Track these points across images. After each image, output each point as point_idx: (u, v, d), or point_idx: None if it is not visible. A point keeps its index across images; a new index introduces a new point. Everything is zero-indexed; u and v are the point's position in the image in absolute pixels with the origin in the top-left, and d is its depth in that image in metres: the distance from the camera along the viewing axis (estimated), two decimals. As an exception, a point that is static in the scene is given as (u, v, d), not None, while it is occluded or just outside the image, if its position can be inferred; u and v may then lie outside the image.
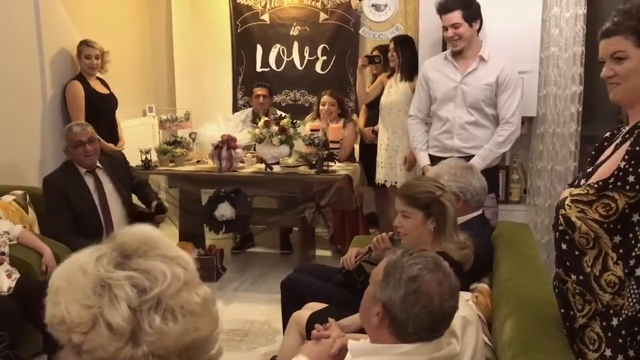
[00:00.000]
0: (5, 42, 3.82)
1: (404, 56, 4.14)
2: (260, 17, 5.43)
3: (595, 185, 1.51)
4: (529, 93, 3.34)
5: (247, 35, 5.49)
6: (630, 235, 1.49)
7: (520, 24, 3.28)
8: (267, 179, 4.25)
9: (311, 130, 4.49)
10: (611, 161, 1.54)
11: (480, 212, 2.56)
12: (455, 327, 1.37)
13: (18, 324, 2.69)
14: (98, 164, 3.60)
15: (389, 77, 4.40)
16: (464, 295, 1.99)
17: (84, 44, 4.26)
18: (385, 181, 4.36)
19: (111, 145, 4.29)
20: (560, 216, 1.55)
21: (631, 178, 1.46)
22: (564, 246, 1.56)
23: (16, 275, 2.98)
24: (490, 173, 3.16)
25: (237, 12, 5.46)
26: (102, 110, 4.27)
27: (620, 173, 1.47)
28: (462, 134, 3.21)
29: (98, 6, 4.77)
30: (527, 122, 3.51)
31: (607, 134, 1.68)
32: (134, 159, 4.43)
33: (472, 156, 3.17)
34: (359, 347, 1.38)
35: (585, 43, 3.28)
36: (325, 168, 4.16)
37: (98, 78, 4.38)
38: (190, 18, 5.57)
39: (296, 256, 4.60)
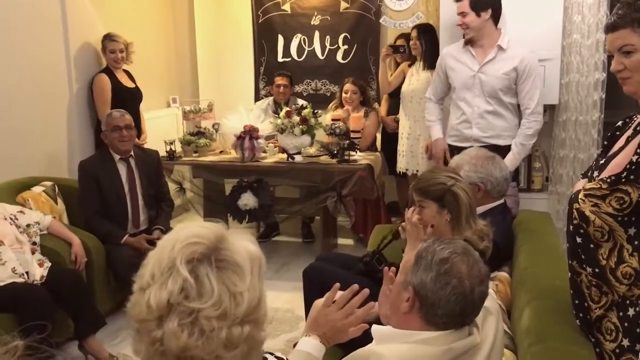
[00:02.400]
0: (32, 37, 3.91)
1: (426, 44, 4.14)
2: (282, 7, 5.45)
3: (608, 180, 1.51)
4: (551, 81, 3.31)
5: (268, 26, 5.52)
6: (645, 228, 1.50)
7: (541, 11, 3.24)
8: (289, 168, 4.30)
9: (332, 119, 4.52)
10: (623, 155, 1.54)
11: (502, 201, 2.57)
12: (477, 318, 1.40)
13: (51, 311, 2.79)
14: (132, 153, 3.69)
15: (410, 65, 4.41)
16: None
17: (108, 38, 4.33)
18: (407, 170, 4.38)
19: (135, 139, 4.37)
20: (574, 210, 1.56)
21: None
22: (578, 240, 1.57)
23: (47, 264, 3.09)
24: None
25: (259, 2, 5.49)
26: (128, 104, 4.32)
27: (633, 167, 1.48)
28: (480, 123, 3.21)
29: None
30: (550, 110, 3.48)
31: (619, 123, 1.68)
32: (159, 150, 4.52)
33: (492, 145, 3.16)
34: (384, 332, 1.39)
35: (609, 29, 3.23)
36: (346, 157, 4.19)
37: (124, 70, 4.46)
38: (212, 9, 5.62)
39: (318, 245, 4.65)
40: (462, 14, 3.15)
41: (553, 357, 1.54)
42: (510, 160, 3.14)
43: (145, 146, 4.43)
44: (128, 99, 4.39)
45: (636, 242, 1.51)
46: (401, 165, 4.42)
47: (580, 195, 1.56)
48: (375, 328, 1.43)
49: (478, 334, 1.36)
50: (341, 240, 4.84)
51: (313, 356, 1.38)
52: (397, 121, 4.56)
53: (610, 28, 1.58)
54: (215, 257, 0.94)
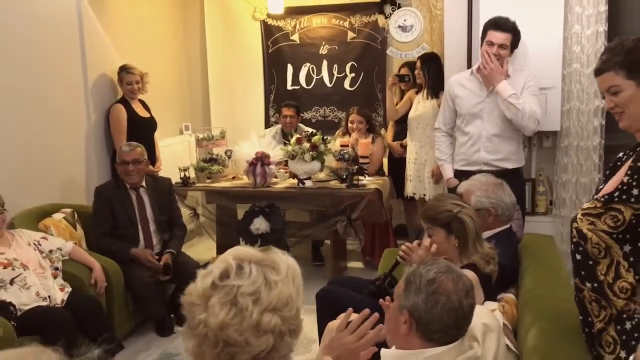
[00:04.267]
0: (52, 69, 4.07)
1: (430, 74, 4.29)
2: (291, 38, 5.63)
3: (602, 199, 1.63)
4: (552, 108, 3.43)
5: (278, 55, 5.70)
6: (639, 244, 1.61)
7: (542, 42, 3.38)
8: (299, 193, 4.42)
9: (341, 146, 4.65)
10: (616, 176, 1.67)
11: (508, 225, 2.68)
12: (477, 333, 1.51)
13: (72, 333, 2.89)
14: (143, 183, 3.89)
15: (417, 92, 4.55)
16: (490, 305, 2.12)
17: (124, 70, 4.49)
18: (414, 194, 4.49)
19: (150, 167, 4.51)
20: (573, 229, 1.68)
21: (635, 191, 1.58)
22: (578, 257, 1.68)
23: (68, 289, 3.21)
24: (516, 187, 3.27)
25: (268, 33, 5.68)
26: (143, 133, 4.49)
27: (625, 187, 1.60)
28: (488, 147, 3.32)
29: (136, 31, 5.02)
30: (552, 136, 3.60)
31: (620, 154, 1.81)
32: (173, 177, 4.65)
33: (500, 169, 3.28)
34: (392, 354, 1.52)
35: (607, 58, 3.36)
36: (355, 182, 4.31)
37: (139, 100, 4.61)
38: (224, 39, 5.81)
39: (328, 268, 4.74)
40: (502, 46, 3.21)
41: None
42: (503, 102, 3.18)
43: (160, 173, 4.60)
44: (143, 128, 4.54)
45: (631, 259, 1.62)
46: (409, 189, 4.53)
47: (579, 215, 1.68)
48: (384, 352, 1.55)
49: (479, 348, 1.47)
50: (351, 264, 4.93)
51: None
52: (403, 146, 4.69)
53: (597, 72, 1.74)
54: (258, 259, 1.16)
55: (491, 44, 3.21)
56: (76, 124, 4.34)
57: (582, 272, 1.69)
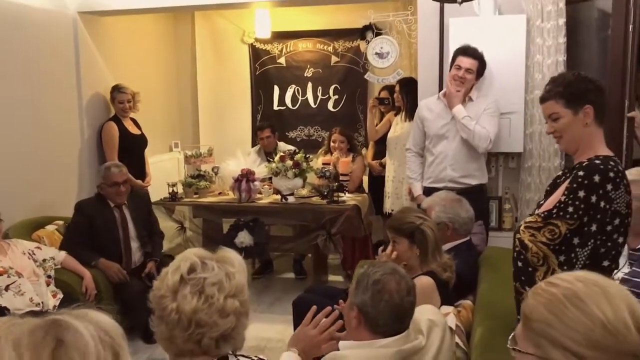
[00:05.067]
0: (49, 88, 4.30)
1: (407, 98, 4.54)
2: (277, 61, 5.91)
3: (542, 215, 1.88)
4: (516, 131, 3.69)
5: (265, 77, 5.96)
6: (572, 255, 1.85)
7: (506, 70, 3.64)
8: (282, 208, 4.63)
9: (323, 164, 4.89)
10: (555, 195, 1.92)
11: (467, 238, 2.92)
12: (422, 327, 1.74)
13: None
14: (125, 202, 4.03)
15: (395, 114, 4.81)
16: (446, 309, 2.35)
17: (117, 89, 4.71)
18: (392, 210, 4.70)
19: (139, 181, 4.72)
20: (516, 239, 1.92)
21: (570, 209, 1.83)
22: (519, 264, 1.92)
23: (60, 295, 3.40)
24: (480, 203, 3.52)
25: (256, 55, 5.95)
26: (134, 149, 4.72)
27: (562, 205, 1.84)
28: (454, 165, 3.57)
29: (129, 52, 5.26)
30: (517, 157, 3.85)
31: (560, 173, 2.05)
32: (162, 192, 4.87)
33: (465, 185, 3.53)
34: (348, 345, 1.74)
35: (566, 86, 3.63)
36: (335, 198, 4.54)
37: (131, 118, 4.83)
38: (213, 61, 6.07)
39: (310, 281, 4.94)
40: (468, 71, 3.49)
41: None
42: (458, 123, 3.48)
43: (149, 188, 4.81)
44: (134, 145, 4.76)
45: (565, 267, 1.86)
46: (387, 205, 4.76)
47: (522, 227, 1.92)
48: (342, 343, 1.78)
49: (423, 339, 1.69)
50: (332, 277, 5.14)
51: None
52: (382, 165, 4.93)
53: (541, 100, 2.01)
54: (216, 257, 1.38)
55: (459, 67, 3.49)
56: (70, 140, 4.55)
57: (522, 278, 1.92)
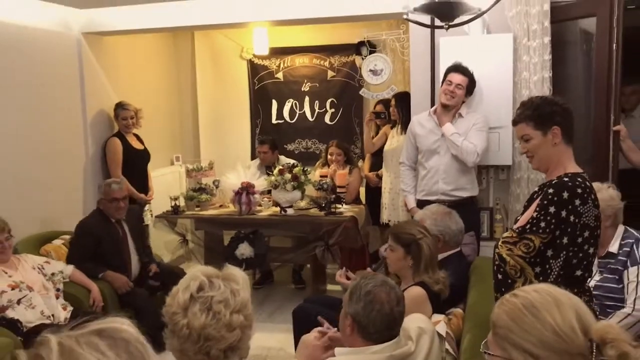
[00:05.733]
0: (54, 106, 4.46)
1: (403, 112, 4.69)
2: (275, 76, 6.07)
3: (517, 230, 2.03)
4: (505, 145, 3.84)
5: (263, 91, 6.13)
6: (547, 266, 2.00)
7: (495, 86, 3.79)
8: (282, 220, 4.77)
9: (320, 176, 5.04)
10: (528, 211, 2.07)
11: (458, 249, 3.07)
12: (412, 333, 1.89)
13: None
14: (123, 217, 4.17)
15: (391, 128, 4.96)
16: (437, 317, 2.50)
17: (120, 107, 4.87)
18: (389, 220, 4.85)
19: (142, 195, 4.87)
20: (495, 254, 2.07)
21: (542, 224, 1.97)
22: (499, 276, 2.06)
23: (70, 308, 3.54)
24: (471, 214, 3.67)
25: (254, 71, 6.12)
26: (137, 164, 4.87)
27: (534, 221, 1.99)
28: (445, 178, 3.72)
29: (132, 70, 5.42)
30: (506, 169, 4.01)
31: (536, 188, 2.20)
32: (164, 205, 5.01)
33: (457, 198, 3.69)
34: (343, 351, 1.89)
35: (552, 101, 3.79)
36: (333, 210, 4.69)
37: (134, 134, 4.99)
38: (213, 77, 6.24)
39: (309, 290, 5.08)
40: (458, 86, 3.66)
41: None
42: (451, 128, 3.64)
43: (152, 201, 4.96)
44: (137, 160, 4.91)
45: (541, 278, 2.00)
46: (384, 216, 4.90)
47: (500, 242, 2.06)
48: (337, 349, 1.93)
49: (413, 345, 1.84)
50: (330, 287, 5.27)
51: None
52: (379, 177, 5.08)
53: (513, 123, 2.16)
54: (222, 275, 1.52)
55: (450, 83, 3.67)
56: (75, 157, 4.70)
57: (503, 289, 2.06)
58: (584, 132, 3.90)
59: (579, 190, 1.99)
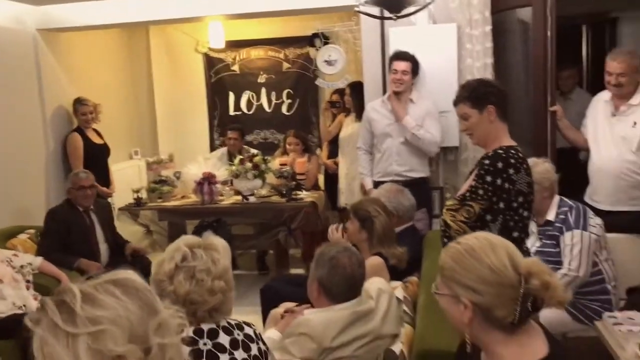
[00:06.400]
0: (12, 103, 4.48)
1: (357, 99, 4.92)
2: (231, 68, 6.21)
3: (458, 198, 2.27)
4: (452, 127, 4.09)
5: (220, 84, 6.25)
6: (486, 229, 2.23)
7: (441, 73, 4.05)
8: (244, 208, 4.93)
9: (280, 165, 5.21)
10: (468, 182, 2.31)
11: (411, 223, 3.32)
12: (373, 293, 2.11)
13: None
14: (91, 207, 4.27)
15: (346, 116, 5.18)
16: (394, 284, 2.73)
17: (79, 102, 4.92)
18: (347, 204, 5.07)
19: (105, 188, 4.94)
20: (441, 220, 2.30)
21: (481, 192, 2.22)
22: (445, 240, 2.29)
23: (40, 297, 3.61)
24: (423, 193, 3.93)
25: (210, 64, 6.24)
26: (98, 159, 4.93)
27: (473, 189, 2.24)
28: (398, 160, 3.98)
29: (89, 65, 5.46)
30: (454, 150, 4.28)
31: (477, 162, 2.45)
32: (126, 199, 5.10)
33: (409, 178, 3.93)
34: (311, 311, 2.10)
35: (494, 85, 4.08)
36: (294, 196, 4.87)
37: (93, 129, 5.04)
38: (169, 70, 6.32)
39: (273, 276, 5.25)
40: (404, 72, 3.90)
41: (435, 322, 2.23)
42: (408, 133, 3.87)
43: (114, 195, 5.04)
44: (98, 154, 4.98)
45: None
46: (342, 200, 5.13)
47: (444, 209, 2.30)
48: (306, 311, 2.13)
49: (373, 303, 2.06)
50: (293, 270, 5.46)
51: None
52: (336, 163, 5.30)
53: (454, 103, 2.40)
54: (204, 245, 1.67)
55: (396, 71, 3.91)
56: (35, 153, 4.74)
57: None
58: (525, 113, 4.21)
59: (512, 161, 2.24)
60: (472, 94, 2.34)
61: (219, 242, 1.72)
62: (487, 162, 2.27)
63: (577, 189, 3.81)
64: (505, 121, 2.39)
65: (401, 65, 3.90)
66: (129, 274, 1.06)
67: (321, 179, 5.62)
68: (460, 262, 1.39)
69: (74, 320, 0.92)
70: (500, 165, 2.23)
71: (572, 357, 1.44)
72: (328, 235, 3.14)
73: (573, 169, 3.92)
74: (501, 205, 2.24)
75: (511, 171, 2.23)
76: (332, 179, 5.39)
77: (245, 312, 4.45)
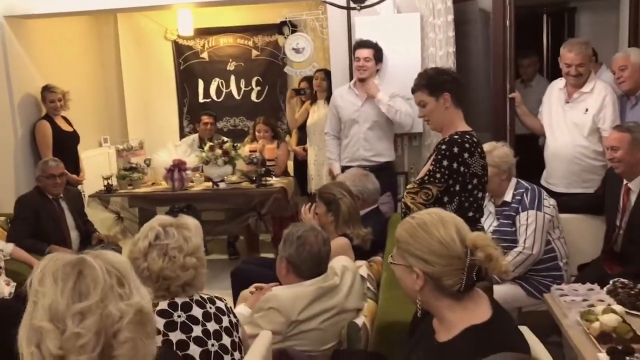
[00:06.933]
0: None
1: (328, 85, 5.02)
2: (200, 56, 6.25)
3: (417, 181, 2.41)
4: (416, 114, 4.24)
5: (189, 71, 6.29)
6: (444, 212, 2.38)
7: (405, 61, 4.19)
8: (214, 194, 5.01)
9: (250, 151, 5.30)
10: (426, 165, 2.45)
11: (375, 206, 3.46)
12: (337, 270, 2.24)
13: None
14: (61, 194, 4.31)
15: (311, 104, 5.28)
16: (359, 262, 2.86)
17: (47, 89, 4.91)
18: (316, 190, 5.20)
19: (74, 176, 4.95)
20: (402, 202, 2.44)
21: (438, 175, 2.36)
22: (406, 222, 2.43)
23: (13, 283, 3.65)
24: (389, 177, 4.08)
25: (179, 51, 6.27)
26: (67, 146, 4.94)
27: (431, 173, 2.38)
28: (365, 145, 4.12)
29: (57, 52, 5.43)
30: (418, 136, 4.44)
31: (435, 147, 2.59)
32: (96, 186, 5.12)
33: (376, 163, 4.07)
34: (281, 287, 2.22)
35: (456, 73, 4.23)
36: (263, 182, 4.97)
37: (62, 116, 5.04)
38: (138, 58, 6.32)
39: (243, 260, 5.36)
40: (366, 59, 4.02)
41: (396, 297, 2.38)
42: (385, 106, 4.00)
43: (84, 182, 5.07)
44: (67, 142, 4.98)
45: None
46: (311, 186, 5.24)
47: (405, 192, 2.44)
48: (275, 288, 2.25)
49: (338, 279, 2.19)
50: (263, 254, 5.55)
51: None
52: (305, 150, 5.41)
53: (412, 91, 2.52)
54: (176, 223, 1.76)
55: (358, 59, 4.04)
56: (4, 141, 4.73)
57: None
58: (486, 100, 4.38)
59: (467, 145, 2.39)
60: (429, 82, 2.47)
61: (191, 222, 1.82)
62: (443, 147, 2.41)
63: (535, 173, 4.00)
64: (461, 108, 2.53)
65: (363, 53, 4.03)
66: (111, 254, 1.20)
67: (291, 165, 5.72)
68: (413, 235, 1.52)
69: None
70: (456, 149, 2.38)
71: (512, 322, 1.59)
72: (300, 215, 3.25)
73: (531, 154, 4.11)
74: (457, 187, 2.38)
75: (466, 155, 2.38)
76: (301, 165, 5.49)
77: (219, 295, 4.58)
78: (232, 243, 5.73)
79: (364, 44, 4.04)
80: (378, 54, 4.08)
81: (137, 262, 1.73)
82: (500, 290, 3.10)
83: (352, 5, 3.09)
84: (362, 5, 2.95)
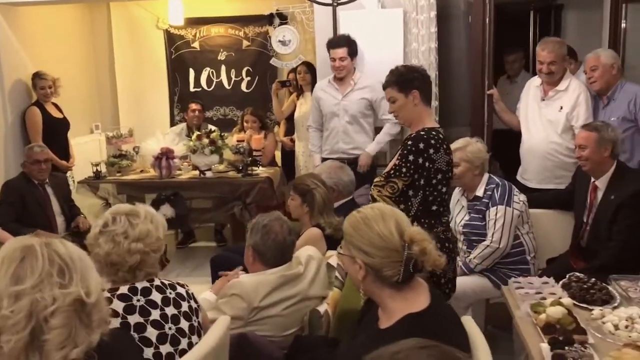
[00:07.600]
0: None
1: (312, 77, 5.10)
2: (192, 45, 6.32)
3: (384, 175, 2.49)
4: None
5: (180, 61, 6.36)
6: (409, 203, 2.47)
7: (387, 56, 4.24)
8: (201, 183, 5.09)
9: (237, 141, 5.38)
10: (393, 160, 2.53)
11: (350, 197, 3.54)
12: (302, 259, 2.34)
13: None
14: (47, 180, 4.40)
15: (297, 96, 5.36)
16: (330, 252, 2.96)
17: (37, 76, 4.99)
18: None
19: (64, 162, 5.05)
20: (369, 195, 2.53)
21: (404, 169, 2.45)
22: (373, 213, 2.52)
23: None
24: (368, 170, 4.17)
25: (171, 40, 6.33)
26: (57, 133, 5.03)
27: (397, 167, 2.46)
28: (345, 139, 4.21)
29: (48, 40, 5.50)
30: (401, 129, 4.51)
31: (402, 142, 2.67)
32: (86, 172, 5.21)
33: (355, 156, 4.16)
34: (247, 275, 2.32)
35: (438, 69, 4.32)
36: (250, 172, 5.05)
37: (53, 103, 5.12)
38: (130, 46, 6.38)
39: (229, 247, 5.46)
40: (342, 59, 4.10)
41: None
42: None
43: (74, 168, 5.15)
44: (58, 128, 5.07)
45: (405, 213, 2.47)
46: (300, 177, 5.34)
47: (372, 186, 2.53)
48: (242, 275, 2.34)
49: (302, 268, 2.29)
50: (249, 243, 5.67)
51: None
52: (293, 141, 5.49)
53: (383, 87, 2.59)
54: (126, 211, 1.86)
55: (334, 59, 4.11)
56: (-6, 126, 4.82)
57: None
58: (467, 96, 4.46)
59: (433, 142, 2.47)
60: (399, 79, 2.55)
61: (143, 210, 1.89)
62: (410, 142, 2.49)
63: (512, 168, 4.09)
64: (429, 105, 2.61)
65: (338, 53, 4.10)
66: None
67: (278, 156, 5.81)
68: (356, 229, 1.62)
69: None
70: (421, 145, 2.46)
71: (450, 311, 1.69)
72: (287, 205, 3.33)
73: (509, 150, 4.19)
74: (422, 181, 2.47)
75: (431, 151, 2.46)
76: (289, 156, 5.58)
77: (200, 282, 4.64)
78: (219, 230, 5.82)
79: (337, 42, 4.12)
80: (352, 49, 4.14)
81: (91, 248, 1.83)
82: (469, 282, 3.20)
83: (327, 1, 3.15)
84: (339, 2, 3.02)
